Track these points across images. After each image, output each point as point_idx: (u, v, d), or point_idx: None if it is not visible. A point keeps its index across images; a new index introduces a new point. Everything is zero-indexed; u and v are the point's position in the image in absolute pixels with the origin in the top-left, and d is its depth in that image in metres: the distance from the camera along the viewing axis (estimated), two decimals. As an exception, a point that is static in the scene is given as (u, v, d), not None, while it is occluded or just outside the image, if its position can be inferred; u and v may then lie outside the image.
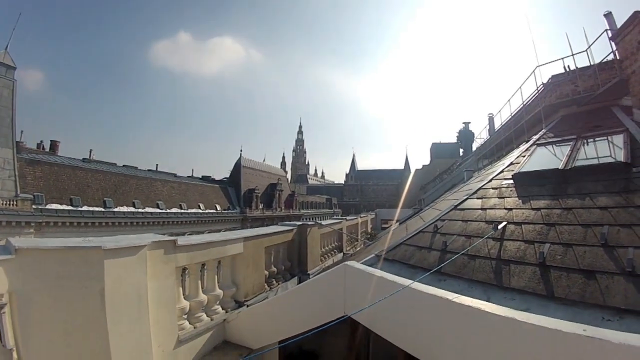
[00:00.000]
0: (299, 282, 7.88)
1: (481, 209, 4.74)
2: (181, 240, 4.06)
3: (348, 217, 17.04)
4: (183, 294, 4.46)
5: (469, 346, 2.27)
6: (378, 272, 3.22)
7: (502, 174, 5.93)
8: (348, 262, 3.60)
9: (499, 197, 4.89)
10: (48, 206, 29.47)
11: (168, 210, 41.23)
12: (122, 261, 3.20)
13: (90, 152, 41.23)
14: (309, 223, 9.00)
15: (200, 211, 46.21)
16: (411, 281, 2.75)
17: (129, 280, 3.30)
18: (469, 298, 2.40)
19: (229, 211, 52.18)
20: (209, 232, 43.58)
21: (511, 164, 6.33)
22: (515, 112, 13.47)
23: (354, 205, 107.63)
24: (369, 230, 20.88)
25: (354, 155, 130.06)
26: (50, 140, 38.86)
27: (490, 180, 5.75)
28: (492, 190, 5.28)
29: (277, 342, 4.33)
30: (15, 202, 26.18)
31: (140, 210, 37.83)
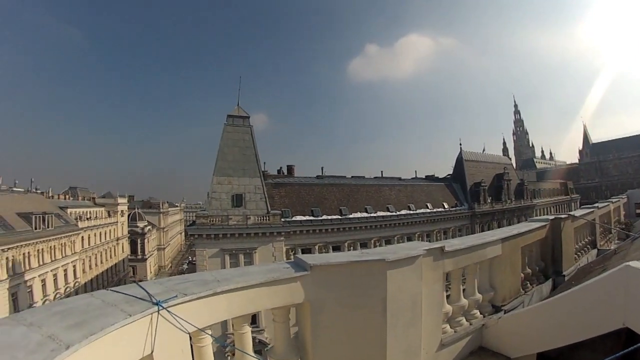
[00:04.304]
0: (554, 284, 7.09)
1: None
2: (448, 247, 4.03)
3: (600, 205, 14.57)
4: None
5: None
6: None
7: None
8: (630, 263, 2.95)
9: None
10: (294, 218, 35.58)
11: (398, 213, 43.26)
12: (401, 271, 3.36)
13: (322, 169, 46.94)
14: (562, 216, 7.91)
15: (428, 211, 46.74)
16: None
17: (406, 288, 3.44)
18: None
19: (457, 208, 51.14)
20: (438, 231, 45.49)
21: None
22: None
23: (593, 187, 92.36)
24: (622, 218, 17.58)
25: (584, 126, 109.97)
26: (287, 165, 45.43)
27: None
28: None
29: (536, 354, 3.93)
30: (267, 218, 33.03)
31: (372, 214, 40.97)
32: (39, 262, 42.95)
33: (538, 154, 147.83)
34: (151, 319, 2.19)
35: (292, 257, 31.26)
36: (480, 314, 4.88)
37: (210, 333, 2.70)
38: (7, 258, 36.96)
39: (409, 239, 40.52)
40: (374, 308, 3.23)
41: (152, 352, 2.18)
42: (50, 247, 45.74)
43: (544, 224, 7.02)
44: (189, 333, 2.41)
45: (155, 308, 2.23)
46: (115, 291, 2.47)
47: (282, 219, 33.98)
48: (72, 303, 2.26)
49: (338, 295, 3.15)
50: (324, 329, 3.12)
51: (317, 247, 35.61)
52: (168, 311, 2.28)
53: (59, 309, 2.13)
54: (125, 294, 2.40)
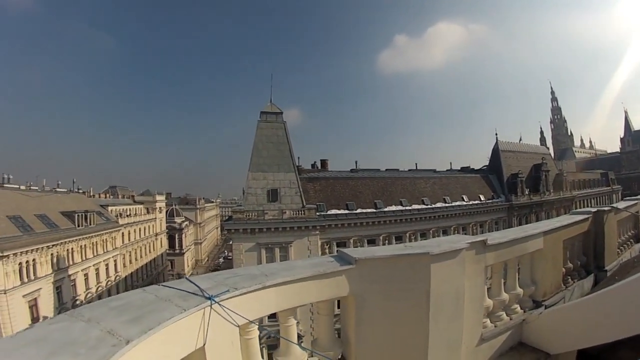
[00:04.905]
0: (595, 280, 6.88)
1: None
2: (490, 240, 3.98)
3: (645, 196, 13.91)
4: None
5: None
6: None
7: None
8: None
9: None
10: (329, 212, 35.84)
11: (433, 205, 42.63)
12: (445, 264, 3.36)
13: (356, 162, 45.98)
14: (605, 208, 7.66)
15: (464, 203, 45.82)
16: None
17: (449, 281, 3.45)
18: None
19: (494, 200, 49.79)
20: (474, 224, 44.76)
21: None
22: None
23: (636, 178, 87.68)
24: (669, 210, 16.75)
25: (626, 113, 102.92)
26: (320, 160, 45.39)
27: None
28: None
29: (576, 351, 3.87)
30: (303, 212, 33.60)
31: (407, 207, 40.56)
32: (81, 257, 44.86)
33: (577, 142, 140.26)
34: (204, 313, 2.27)
35: (327, 251, 31.28)
36: (521, 308, 4.80)
37: (258, 325, 2.78)
38: (52, 254, 38.73)
39: (445, 232, 40.25)
40: (417, 301, 3.25)
41: (204, 344, 2.26)
42: (92, 243, 47.67)
43: (586, 216, 6.82)
44: (238, 326, 2.49)
45: (208, 302, 2.31)
46: (167, 286, 2.56)
47: (317, 213, 34.34)
48: (127, 298, 2.35)
49: (382, 289, 3.18)
50: (368, 322, 3.16)
51: (352, 241, 35.60)
52: (220, 305, 2.36)
53: (115, 304, 2.22)
54: (178, 289, 2.48)
